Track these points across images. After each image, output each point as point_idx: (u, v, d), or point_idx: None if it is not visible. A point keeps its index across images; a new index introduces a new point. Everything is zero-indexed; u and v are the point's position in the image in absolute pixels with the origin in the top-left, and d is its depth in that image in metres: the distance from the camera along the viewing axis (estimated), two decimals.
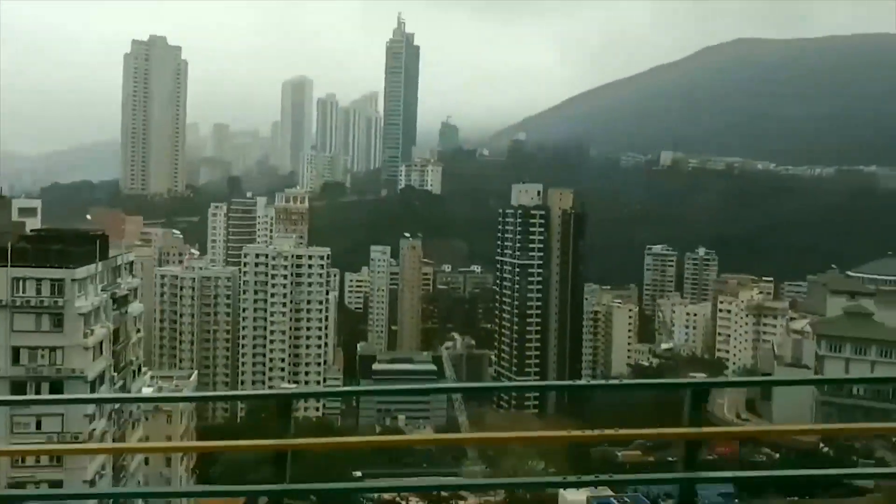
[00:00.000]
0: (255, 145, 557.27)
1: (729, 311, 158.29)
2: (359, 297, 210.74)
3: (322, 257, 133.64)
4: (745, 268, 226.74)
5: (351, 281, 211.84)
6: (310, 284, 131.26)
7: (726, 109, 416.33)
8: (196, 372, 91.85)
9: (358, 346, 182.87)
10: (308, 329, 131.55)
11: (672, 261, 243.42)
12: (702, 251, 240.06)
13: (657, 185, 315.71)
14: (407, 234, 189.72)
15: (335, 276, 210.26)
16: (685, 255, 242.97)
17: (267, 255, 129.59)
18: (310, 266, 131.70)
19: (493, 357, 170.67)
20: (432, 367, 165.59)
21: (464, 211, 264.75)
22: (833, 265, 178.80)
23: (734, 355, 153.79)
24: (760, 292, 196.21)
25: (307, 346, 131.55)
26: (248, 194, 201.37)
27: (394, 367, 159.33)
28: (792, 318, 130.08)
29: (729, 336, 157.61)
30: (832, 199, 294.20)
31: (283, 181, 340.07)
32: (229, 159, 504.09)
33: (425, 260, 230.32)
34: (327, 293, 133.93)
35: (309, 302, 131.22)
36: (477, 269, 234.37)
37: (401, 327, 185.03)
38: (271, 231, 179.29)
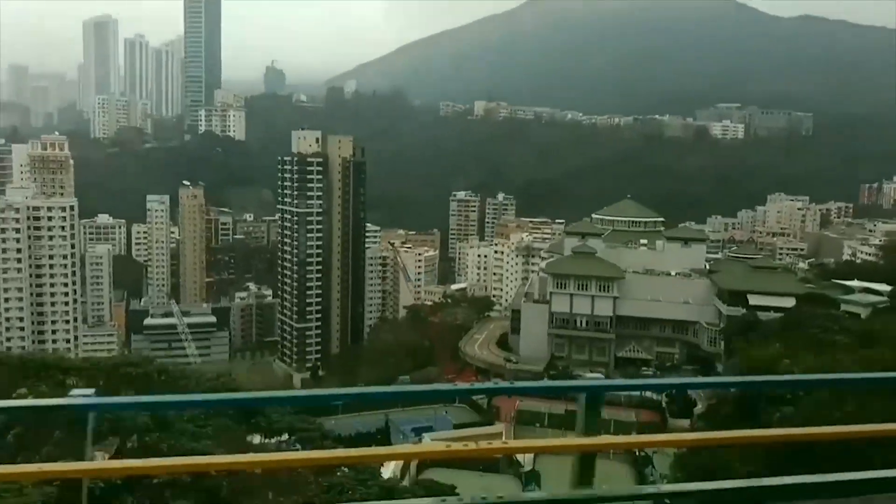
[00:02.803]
0: (59, 89, 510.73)
1: (502, 252, 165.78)
2: (148, 250, 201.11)
3: (65, 209, 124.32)
4: (544, 211, 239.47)
5: (138, 233, 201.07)
6: (51, 238, 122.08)
7: (542, 62, 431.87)
8: None
9: (141, 301, 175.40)
10: (52, 286, 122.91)
11: (475, 206, 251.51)
12: (501, 196, 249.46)
13: (470, 134, 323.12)
14: (186, 182, 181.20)
15: (120, 227, 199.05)
16: (486, 201, 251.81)
17: None
18: (50, 219, 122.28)
19: (279, 305, 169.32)
20: (212, 318, 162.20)
21: (269, 158, 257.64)
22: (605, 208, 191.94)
23: (506, 293, 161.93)
24: (552, 234, 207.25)
25: (52, 304, 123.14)
26: (0, 140, 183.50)
27: (166, 321, 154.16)
28: (542, 258, 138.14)
29: (502, 276, 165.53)
30: (627, 145, 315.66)
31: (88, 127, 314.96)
32: (27, 104, 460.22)
33: (223, 209, 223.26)
34: (73, 246, 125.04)
35: (52, 257, 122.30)
36: None
37: (183, 279, 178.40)
38: (34, 181, 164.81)
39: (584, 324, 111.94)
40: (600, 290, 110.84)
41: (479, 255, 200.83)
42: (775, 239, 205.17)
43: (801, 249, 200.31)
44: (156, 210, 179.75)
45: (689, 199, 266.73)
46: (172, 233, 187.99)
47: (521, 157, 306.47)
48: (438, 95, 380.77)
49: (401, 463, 70.43)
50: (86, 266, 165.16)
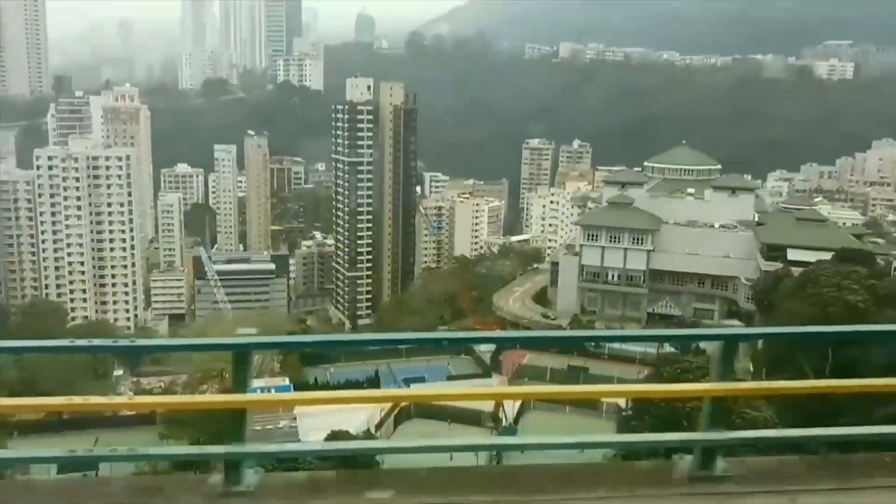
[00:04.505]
0: (161, 42, 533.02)
1: (557, 203, 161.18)
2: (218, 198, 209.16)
3: (121, 157, 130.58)
4: (625, 159, 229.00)
5: (215, 182, 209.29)
6: (109, 186, 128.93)
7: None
8: None
9: (212, 249, 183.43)
10: (111, 233, 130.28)
11: (548, 154, 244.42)
12: (576, 144, 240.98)
13: (553, 78, 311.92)
14: (251, 132, 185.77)
15: (197, 176, 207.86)
16: (560, 148, 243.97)
17: (58, 158, 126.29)
18: (108, 168, 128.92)
19: (333, 254, 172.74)
20: (270, 265, 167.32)
21: None
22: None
23: (559, 244, 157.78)
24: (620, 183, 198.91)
25: (111, 250, 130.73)
26: (79, 93, 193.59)
27: (229, 267, 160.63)
28: (589, 209, 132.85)
29: (558, 226, 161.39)
30: (722, 87, 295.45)
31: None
32: (132, 57, 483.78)
33: (296, 159, 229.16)
34: (129, 194, 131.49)
35: (110, 205, 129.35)
36: None
37: (249, 228, 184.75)
38: (106, 131, 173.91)
39: (615, 277, 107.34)
40: (634, 242, 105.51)
41: (543, 206, 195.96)
42: (870, 189, 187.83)
43: None
44: (223, 159, 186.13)
45: (785, 145, 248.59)
46: (241, 182, 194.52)
47: (605, 102, 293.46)
48: (528, 39, 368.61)
49: (381, 411, 70.40)
50: (157, 214, 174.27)
